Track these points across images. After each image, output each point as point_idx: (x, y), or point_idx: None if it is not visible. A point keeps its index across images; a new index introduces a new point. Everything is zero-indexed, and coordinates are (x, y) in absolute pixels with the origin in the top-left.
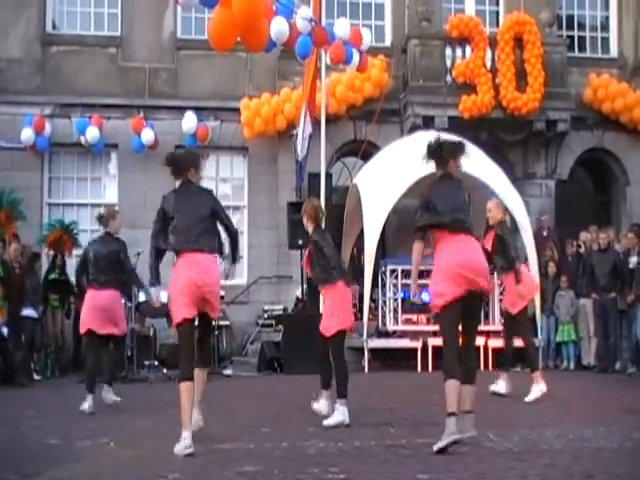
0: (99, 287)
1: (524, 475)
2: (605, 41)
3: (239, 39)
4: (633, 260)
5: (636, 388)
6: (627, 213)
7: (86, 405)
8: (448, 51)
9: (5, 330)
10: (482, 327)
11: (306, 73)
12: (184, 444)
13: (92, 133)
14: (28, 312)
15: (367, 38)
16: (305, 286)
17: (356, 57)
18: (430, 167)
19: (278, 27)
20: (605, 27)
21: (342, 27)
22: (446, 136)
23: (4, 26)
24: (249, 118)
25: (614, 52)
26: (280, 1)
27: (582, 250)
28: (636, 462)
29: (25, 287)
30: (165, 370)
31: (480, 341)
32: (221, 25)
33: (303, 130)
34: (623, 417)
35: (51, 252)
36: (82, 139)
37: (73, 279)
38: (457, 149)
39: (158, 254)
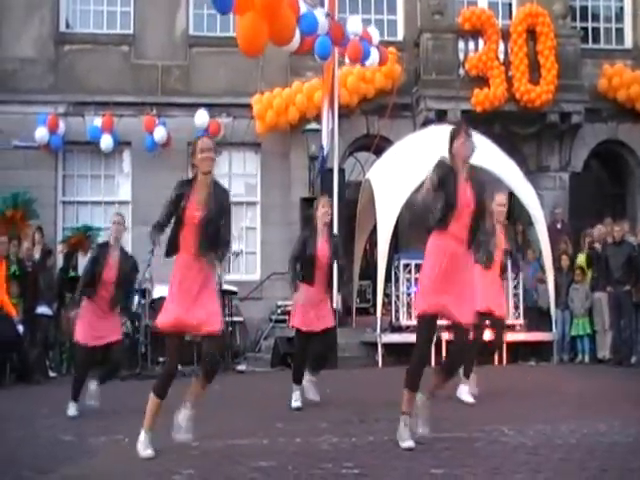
0: None
1: (538, 470)
2: (619, 32)
3: (267, 36)
4: None
5: None
6: None
7: None
8: (461, 44)
9: (21, 328)
10: None
11: (326, 70)
12: None
13: (106, 140)
14: (43, 310)
15: (376, 35)
16: None
17: (375, 53)
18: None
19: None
20: (619, 18)
21: (355, 24)
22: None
23: (17, 26)
24: (261, 110)
25: (629, 43)
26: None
27: (596, 245)
28: None
29: (39, 285)
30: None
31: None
32: (249, 29)
33: (327, 125)
34: (639, 411)
35: (65, 250)
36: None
37: None
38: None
39: None
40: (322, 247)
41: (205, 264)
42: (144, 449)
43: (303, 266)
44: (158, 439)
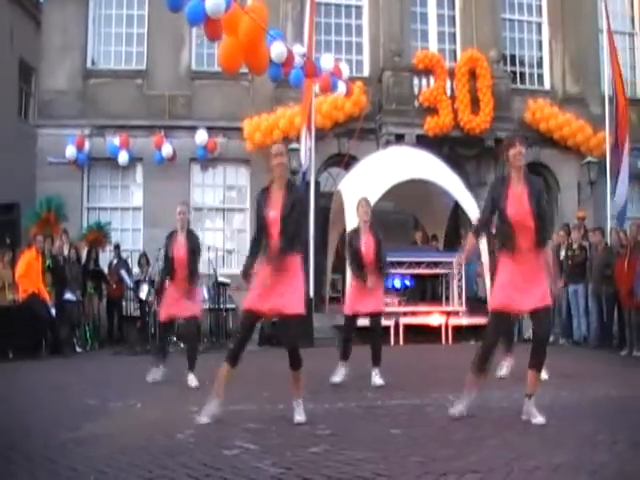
0: None
1: (477, 428)
2: (541, 76)
3: (244, 64)
4: (561, 253)
5: (565, 356)
6: (559, 215)
7: None
8: (416, 81)
9: (54, 311)
10: (443, 307)
11: (304, 101)
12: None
13: (122, 156)
14: (68, 296)
15: (346, 70)
16: None
17: (342, 86)
18: (401, 175)
19: (278, 50)
20: (540, 65)
21: (327, 61)
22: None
23: (53, 64)
24: (251, 132)
25: (547, 85)
26: (270, 33)
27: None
28: (565, 415)
29: (67, 276)
30: (182, 345)
31: (441, 320)
32: (229, 51)
33: (305, 145)
34: (555, 380)
35: (86, 247)
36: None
37: (106, 269)
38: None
39: None
40: (367, 242)
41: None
42: (205, 415)
43: (353, 262)
44: (162, 406)
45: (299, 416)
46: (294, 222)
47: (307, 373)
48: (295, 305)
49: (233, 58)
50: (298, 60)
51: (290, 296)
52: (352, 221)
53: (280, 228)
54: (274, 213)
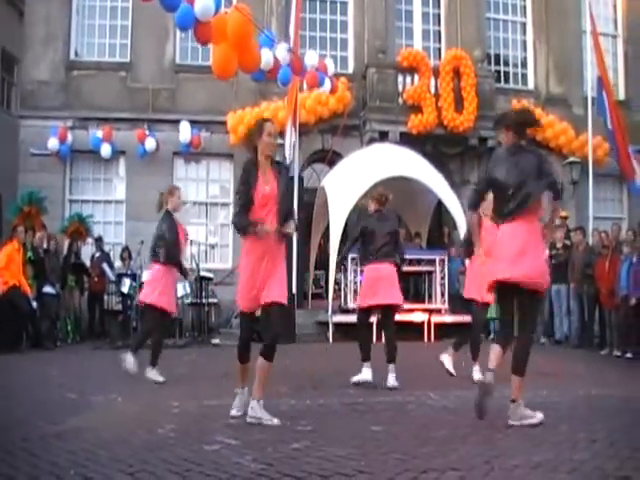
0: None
1: (458, 426)
2: (524, 76)
3: (237, 63)
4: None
5: (546, 355)
6: None
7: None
8: (400, 78)
9: (35, 303)
10: (425, 305)
11: (290, 96)
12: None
13: (105, 149)
14: (47, 289)
15: (331, 66)
16: None
17: (328, 83)
18: (385, 172)
19: (265, 58)
20: (524, 65)
21: (312, 57)
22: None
23: (37, 54)
24: (234, 125)
25: (531, 85)
26: (265, 33)
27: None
28: (545, 414)
29: (46, 268)
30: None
31: (424, 317)
32: (222, 58)
33: (290, 140)
34: (534, 378)
35: (67, 240)
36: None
37: (88, 262)
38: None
39: None
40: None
41: (275, 239)
42: (234, 408)
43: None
44: (143, 400)
45: (249, 416)
46: (288, 201)
47: (289, 369)
48: (280, 294)
49: (226, 64)
50: (285, 57)
51: (276, 286)
52: (336, 216)
53: (276, 205)
54: (268, 188)
